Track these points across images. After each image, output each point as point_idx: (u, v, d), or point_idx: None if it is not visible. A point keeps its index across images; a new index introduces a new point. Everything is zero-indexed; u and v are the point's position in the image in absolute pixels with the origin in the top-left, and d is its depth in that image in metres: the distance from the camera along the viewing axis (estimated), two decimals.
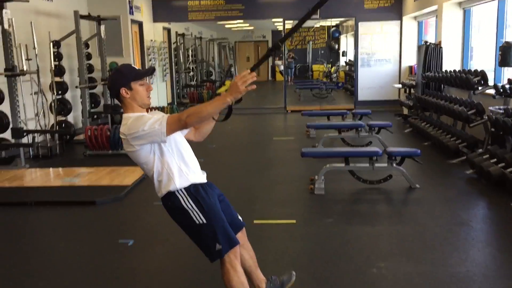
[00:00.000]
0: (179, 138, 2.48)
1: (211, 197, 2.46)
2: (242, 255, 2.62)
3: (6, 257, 3.69)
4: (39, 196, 5.10)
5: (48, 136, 7.27)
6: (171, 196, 2.42)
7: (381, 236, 3.86)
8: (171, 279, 3.25)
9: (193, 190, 2.42)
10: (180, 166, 2.42)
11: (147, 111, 2.51)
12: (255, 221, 4.19)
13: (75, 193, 5.22)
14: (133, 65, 2.67)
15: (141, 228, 4.24)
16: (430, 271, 3.18)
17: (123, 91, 2.40)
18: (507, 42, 5.75)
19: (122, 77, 2.42)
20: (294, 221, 4.20)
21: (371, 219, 4.29)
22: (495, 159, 5.20)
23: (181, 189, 2.41)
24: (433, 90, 8.50)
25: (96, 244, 3.91)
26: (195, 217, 2.39)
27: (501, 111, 5.52)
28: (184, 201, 2.40)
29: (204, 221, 2.38)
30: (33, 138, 6.76)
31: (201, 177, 2.51)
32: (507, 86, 5.47)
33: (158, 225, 4.26)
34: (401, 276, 3.12)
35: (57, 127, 7.76)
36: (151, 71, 2.61)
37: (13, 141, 6.57)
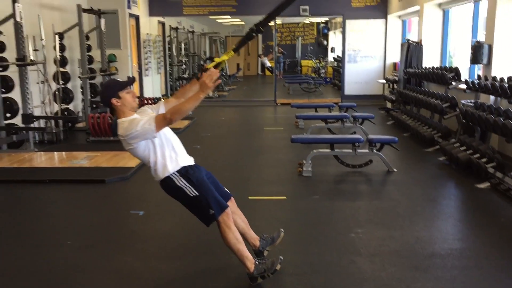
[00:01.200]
0: (167, 132, 3.01)
1: (199, 174, 3.01)
2: (235, 221, 3.15)
3: (33, 223, 4.20)
4: (52, 175, 5.60)
5: (53, 122, 7.74)
6: (167, 179, 2.97)
7: (360, 209, 4.44)
8: (179, 240, 3.79)
9: (183, 171, 2.97)
10: (170, 154, 2.97)
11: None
12: (249, 197, 4.73)
13: (85, 173, 5.72)
14: (116, 79, 3.15)
15: (149, 202, 4.77)
16: (399, 235, 3.76)
17: (114, 101, 2.92)
18: (477, 42, 6.36)
19: (111, 90, 2.96)
20: (284, 197, 4.76)
21: (352, 196, 4.89)
22: (464, 147, 5.81)
23: (174, 173, 2.96)
24: (414, 85, 9.10)
25: (110, 214, 4.44)
26: (189, 191, 2.94)
27: (472, 104, 6.13)
28: (178, 181, 2.95)
29: (196, 193, 2.93)
30: (46, 123, 7.24)
31: (188, 160, 3.07)
32: (477, 81, 6.07)
33: (164, 200, 4.74)
34: (375, 239, 3.69)
35: (61, 114, 8.22)
36: (132, 81, 3.16)
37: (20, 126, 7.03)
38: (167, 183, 2.97)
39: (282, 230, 3.38)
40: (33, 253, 3.55)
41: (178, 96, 3.14)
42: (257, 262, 3.01)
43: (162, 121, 2.80)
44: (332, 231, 3.89)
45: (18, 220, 4.32)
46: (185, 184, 2.94)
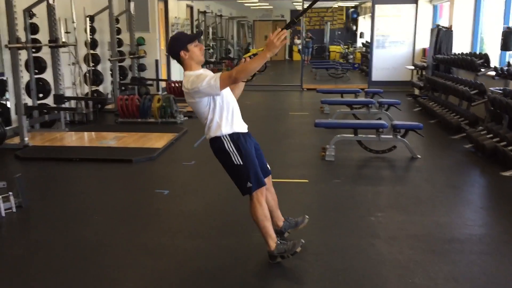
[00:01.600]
0: (229, 95, 3.05)
1: (249, 144, 3.06)
2: (266, 197, 3.22)
3: (64, 199, 4.39)
4: (82, 154, 5.80)
5: (83, 103, 7.96)
6: (217, 140, 3.01)
7: (382, 194, 4.48)
8: (202, 219, 3.90)
9: (235, 137, 3.01)
10: (227, 116, 3.00)
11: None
12: (272, 180, 4.79)
13: (114, 153, 5.89)
14: (184, 32, 3.18)
15: (174, 182, 4.91)
16: (419, 220, 3.79)
17: (182, 53, 2.97)
18: (508, 27, 6.23)
19: (180, 42, 2.99)
20: (307, 180, 4.83)
21: (374, 181, 4.91)
22: (491, 135, 5.74)
23: (226, 135, 3.00)
24: (443, 71, 8.97)
25: (136, 192, 4.59)
26: (234, 158, 2.99)
27: (500, 91, 6.03)
28: (227, 145, 3.00)
29: (241, 162, 2.99)
30: (76, 103, 7.47)
31: (243, 127, 3.11)
32: (506, 68, 5.96)
33: (188, 180, 4.94)
34: (394, 223, 3.74)
35: (91, 96, 8.43)
36: (200, 34, 3.20)
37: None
38: (217, 143, 3.01)
39: (307, 217, 3.45)
40: (64, 228, 3.73)
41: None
42: (279, 242, 3.09)
43: (228, 78, 2.82)
44: (352, 214, 3.94)
45: (49, 196, 4.52)
46: (233, 150, 2.99)
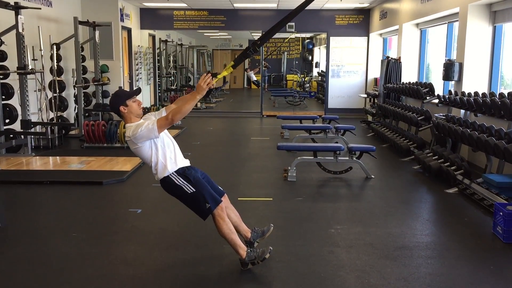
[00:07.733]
0: (168, 136, 3.45)
1: (195, 173, 3.43)
2: (229, 214, 3.54)
3: (39, 219, 4.55)
4: (52, 177, 5.94)
5: (49, 128, 8.07)
6: (166, 179, 3.38)
7: (340, 209, 4.89)
8: (176, 234, 4.18)
9: (181, 171, 3.39)
10: (170, 156, 3.39)
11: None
12: (239, 198, 5.13)
13: (83, 175, 6.07)
14: (124, 89, 3.58)
15: (145, 201, 5.15)
16: (374, 231, 4.21)
17: (121, 108, 3.36)
18: (449, 60, 6.91)
19: (119, 99, 3.39)
20: (271, 198, 5.19)
21: (333, 198, 5.34)
22: (436, 156, 6.31)
23: (172, 173, 3.37)
24: (393, 99, 9.65)
25: (110, 211, 4.82)
26: (186, 189, 3.35)
27: (443, 117, 6.65)
28: (176, 180, 3.36)
29: (194, 190, 3.34)
30: (46, 128, 7.58)
31: (185, 162, 3.49)
32: (447, 96, 6.60)
33: (159, 200, 5.20)
34: (352, 234, 4.13)
35: (56, 121, 8.55)
36: (137, 91, 3.60)
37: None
38: (167, 182, 3.37)
39: (272, 225, 3.79)
40: (44, 244, 3.91)
41: (178, 103, 3.57)
42: (249, 250, 3.41)
43: (164, 121, 3.22)
44: (314, 227, 4.32)
45: (25, 216, 4.66)
46: (183, 182, 3.34)
